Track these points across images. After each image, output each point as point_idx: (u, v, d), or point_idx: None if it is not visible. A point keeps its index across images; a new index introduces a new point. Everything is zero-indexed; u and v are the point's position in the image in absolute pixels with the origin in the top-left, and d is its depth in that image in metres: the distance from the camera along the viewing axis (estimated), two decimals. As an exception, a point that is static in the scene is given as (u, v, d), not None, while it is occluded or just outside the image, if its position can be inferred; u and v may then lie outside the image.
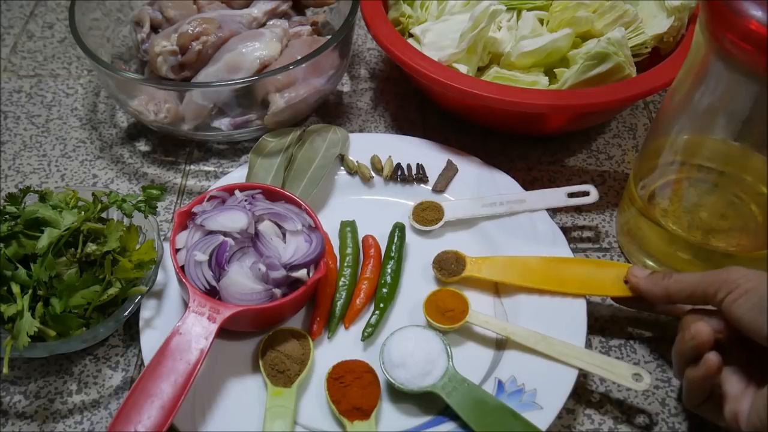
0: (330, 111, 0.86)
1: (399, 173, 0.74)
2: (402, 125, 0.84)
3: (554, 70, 0.75)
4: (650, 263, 0.68)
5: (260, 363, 0.59)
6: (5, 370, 0.55)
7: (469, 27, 0.73)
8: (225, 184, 0.70)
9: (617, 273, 0.62)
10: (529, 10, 0.78)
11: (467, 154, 0.75)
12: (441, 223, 0.69)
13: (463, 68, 0.74)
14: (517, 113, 0.72)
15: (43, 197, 0.62)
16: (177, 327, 0.56)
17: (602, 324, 0.66)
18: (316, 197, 0.72)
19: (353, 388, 0.57)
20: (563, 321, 0.61)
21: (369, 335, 0.62)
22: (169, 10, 0.83)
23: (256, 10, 0.84)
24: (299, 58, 0.74)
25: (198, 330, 0.56)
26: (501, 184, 0.72)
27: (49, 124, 0.85)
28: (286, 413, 0.56)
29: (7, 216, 0.60)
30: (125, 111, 0.81)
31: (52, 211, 0.60)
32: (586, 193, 0.69)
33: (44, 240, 0.58)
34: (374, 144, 0.77)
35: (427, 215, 0.70)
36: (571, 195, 0.69)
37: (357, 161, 0.75)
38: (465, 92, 0.69)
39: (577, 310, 0.62)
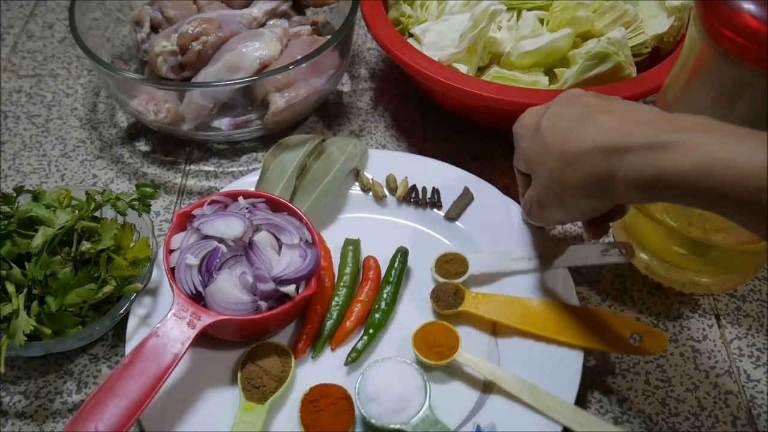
0: (330, 111, 0.86)
1: (413, 195, 0.72)
2: (402, 125, 0.84)
3: (554, 70, 0.75)
4: (645, 257, 0.68)
5: (238, 375, 0.58)
6: (2, 368, 0.55)
7: (469, 27, 0.73)
8: (235, 188, 0.69)
9: (620, 327, 0.59)
10: (529, 10, 0.78)
11: (488, 184, 0.72)
12: (465, 277, 0.64)
13: (463, 68, 0.74)
14: (517, 113, 0.72)
15: (37, 197, 0.62)
16: (155, 329, 0.55)
17: (602, 324, 0.66)
18: (326, 211, 0.71)
19: (326, 414, 0.55)
20: (556, 371, 0.58)
21: (353, 360, 0.60)
22: (169, 10, 0.83)
23: (256, 10, 0.84)
24: (299, 58, 0.74)
25: (176, 334, 0.55)
26: (515, 218, 0.69)
27: (49, 124, 0.85)
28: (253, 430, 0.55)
29: (0, 215, 0.60)
30: (125, 111, 0.82)
31: (45, 210, 0.60)
32: (621, 252, 0.64)
33: (39, 238, 0.58)
34: (392, 162, 0.74)
35: (450, 267, 0.65)
36: (606, 253, 0.64)
37: (372, 178, 0.73)
38: (465, 92, 0.69)
39: (572, 361, 0.58)
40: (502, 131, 0.80)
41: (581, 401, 0.60)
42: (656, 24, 0.76)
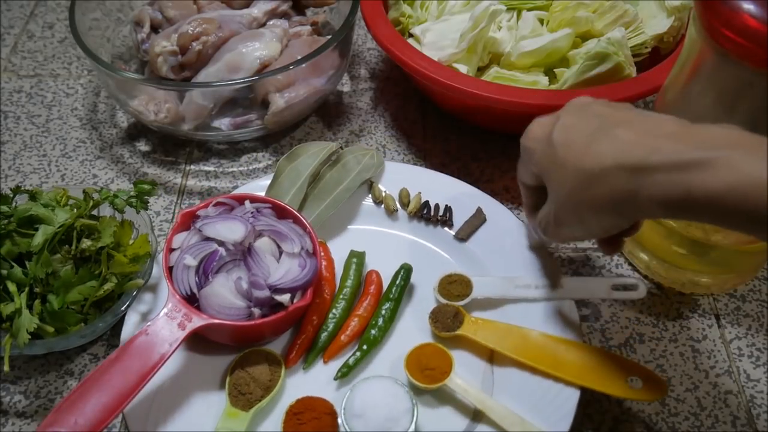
0: (330, 111, 0.86)
1: (424, 211, 0.70)
2: (402, 125, 0.84)
3: (554, 70, 0.75)
4: (645, 257, 0.68)
5: (227, 380, 0.58)
6: (6, 368, 0.55)
7: (469, 27, 0.73)
8: (247, 190, 0.69)
9: (619, 369, 0.57)
10: (529, 10, 0.78)
11: (502, 205, 0.70)
12: (467, 300, 0.63)
13: (463, 68, 0.74)
14: (517, 113, 0.72)
15: (34, 196, 0.62)
16: (146, 327, 0.55)
17: (602, 324, 0.66)
18: (335, 220, 0.70)
19: (308, 428, 0.54)
20: (550, 407, 0.56)
21: (344, 375, 0.59)
22: (169, 10, 0.83)
23: (256, 10, 0.84)
24: (299, 58, 0.74)
25: (165, 334, 0.55)
26: (526, 243, 0.66)
27: (49, 124, 0.85)
28: None
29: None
30: (125, 111, 0.82)
31: (44, 209, 0.60)
32: (633, 287, 0.63)
33: (39, 237, 0.58)
34: (408, 176, 0.73)
35: (454, 289, 0.64)
36: (616, 287, 0.63)
37: (385, 191, 0.72)
38: (465, 92, 0.69)
39: (567, 398, 0.56)
40: (502, 131, 0.81)
41: (581, 401, 0.60)
42: (656, 24, 0.76)
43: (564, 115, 0.52)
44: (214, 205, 0.63)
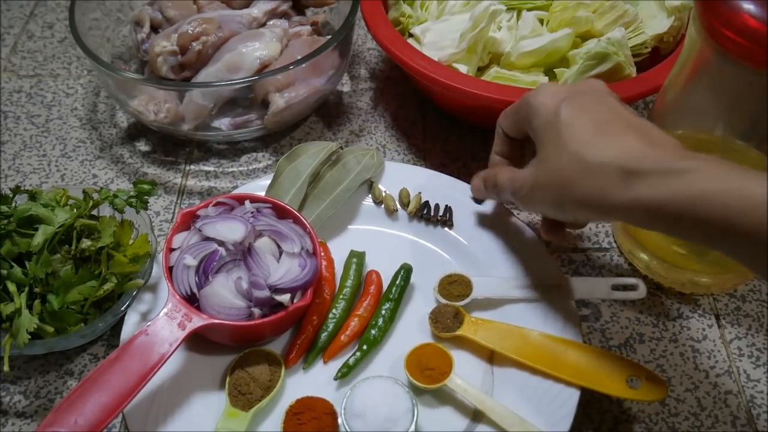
0: (330, 111, 0.86)
1: (424, 211, 0.70)
2: (402, 125, 0.84)
3: (554, 70, 0.75)
4: (645, 257, 0.68)
5: (227, 380, 0.58)
6: (6, 368, 0.55)
7: (469, 27, 0.73)
8: (247, 190, 0.69)
9: (619, 369, 0.57)
10: (529, 10, 0.78)
11: (503, 205, 0.69)
12: (467, 300, 0.63)
13: (463, 68, 0.74)
14: (517, 113, 0.72)
15: (34, 196, 0.62)
16: (145, 327, 0.55)
17: (602, 324, 0.66)
18: (335, 220, 0.70)
19: (308, 428, 0.54)
20: (550, 407, 0.56)
21: (343, 375, 0.59)
22: (169, 10, 0.83)
23: (256, 10, 0.84)
24: (299, 58, 0.74)
25: (165, 334, 0.55)
26: (527, 243, 0.67)
27: (49, 124, 0.85)
28: None
29: (-1, 215, 0.60)
30: (125, 111, 0.82)
31: (44, 209, 0.60)
32: (633, 287, 0.63)
33: (39, 237, 0.58)
34: (408, 176, 0.73)
35: (454, 289, 0.64)
36: (616, 287, 0.63)
37: (385, 191, 0.72)
38: (465, 92, 0.69)
39: (567, 399, 0.56)
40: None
41: (581, 401, 0.60)
42: (656, 24, 0.76)
43: (578, 95, 0.53)
44: (214, 205, 0.63)
